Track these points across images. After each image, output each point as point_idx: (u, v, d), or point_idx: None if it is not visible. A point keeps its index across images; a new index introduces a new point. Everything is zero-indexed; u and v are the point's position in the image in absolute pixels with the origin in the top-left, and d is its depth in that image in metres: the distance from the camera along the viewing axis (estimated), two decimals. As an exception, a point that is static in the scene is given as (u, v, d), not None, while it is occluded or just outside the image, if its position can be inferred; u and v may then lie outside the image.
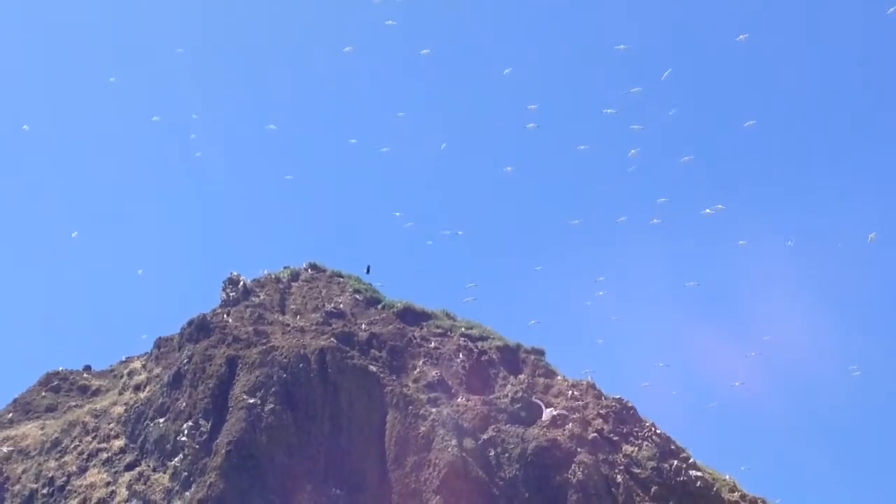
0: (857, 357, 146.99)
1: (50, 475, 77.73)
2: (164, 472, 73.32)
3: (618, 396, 78.63)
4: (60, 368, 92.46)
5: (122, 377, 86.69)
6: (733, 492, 74.58)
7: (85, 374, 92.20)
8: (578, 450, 72.82)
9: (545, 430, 74.16)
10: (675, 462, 74.04)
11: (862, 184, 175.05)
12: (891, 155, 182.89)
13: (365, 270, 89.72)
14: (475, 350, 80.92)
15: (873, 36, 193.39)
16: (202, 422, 73.70)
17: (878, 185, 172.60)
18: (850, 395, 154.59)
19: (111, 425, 79.75)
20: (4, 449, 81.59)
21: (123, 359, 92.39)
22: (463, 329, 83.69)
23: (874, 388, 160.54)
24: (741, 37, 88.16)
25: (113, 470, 76.16)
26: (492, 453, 73.02)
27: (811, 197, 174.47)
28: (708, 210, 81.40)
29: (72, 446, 79.48)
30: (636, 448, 74.53)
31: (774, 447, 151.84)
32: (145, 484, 73.71)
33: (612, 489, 71.67)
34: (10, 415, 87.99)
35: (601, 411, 76.76)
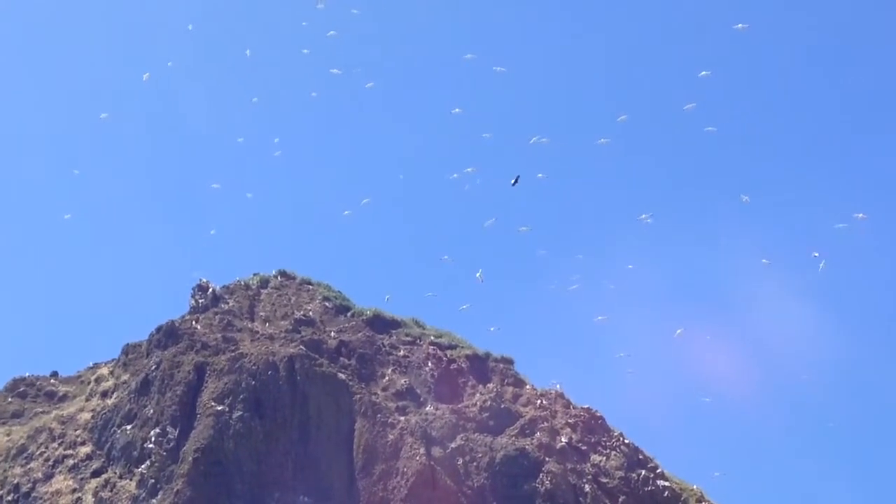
0: (835, 358, 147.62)
1: (15, 482, 77.17)
2: (131, 479, 72.95)
3: (586, 406, 78.85)
4: (27, 374, 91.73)
5: (89, 383, 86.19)
6: (700, 501, 74.85)
7: (52, 380, 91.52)
8: (547, 459, 72.96)
9: (514, 438, 74.27)
10: (644, 472, 74.27)
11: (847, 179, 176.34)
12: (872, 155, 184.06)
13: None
14: (444, 358, 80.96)
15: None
16: (170, 429, 73.43)
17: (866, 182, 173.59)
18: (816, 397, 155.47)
19: (78, 432, 79.30)
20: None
21: (91, 365, 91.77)
22: (432, 337, 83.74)
23: (851, 389, 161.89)
24: (740, 26, 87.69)
25: (79, 477, 75.70)
26: (460, 462, 73.04)
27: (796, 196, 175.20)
28: (644, 216, 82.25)
29: (38, 453, 78.97)
30: (604, 457, 74.74)
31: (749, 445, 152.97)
32: (112, 491, 73.31)
33: (580, 498, 71.82)
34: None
35: (570, 420, 76.93)
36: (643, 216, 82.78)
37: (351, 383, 76.45)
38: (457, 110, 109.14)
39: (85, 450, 77.55)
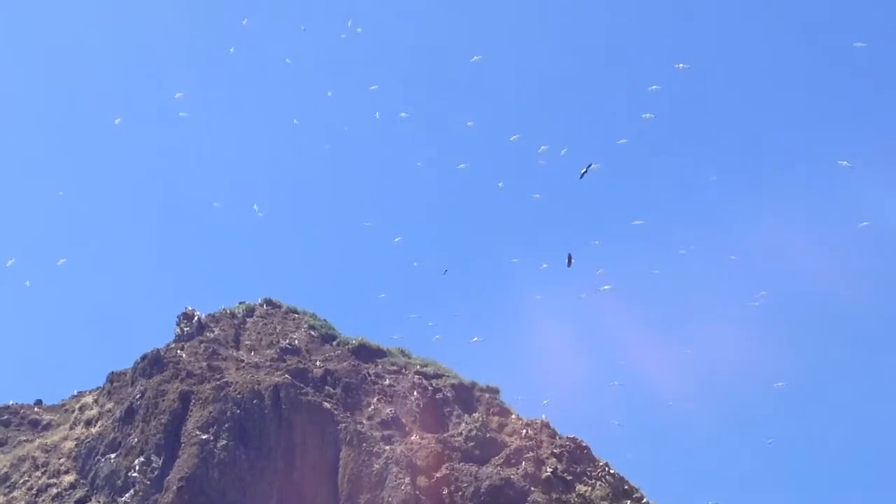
0: (787, 366, 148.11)
1: (-2, 510, 76.89)
2: (115, 509, 72.66)
3: (572, 436, 78.80)
4: (11, 402, 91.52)
5: (73, 412, 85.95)
6: (685, 532, 74.88)
7: (36, 409, 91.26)
8: (532, 489, 72.86)
9: (499, 468, 74.18)
10: (629, 502, 74.20)
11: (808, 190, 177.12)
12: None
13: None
14: (430, 388, 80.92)
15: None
16: (154, 457, 73.18)
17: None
18: (775, 406, 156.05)
19: (61, 460, 78.99)
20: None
21: (75, 393, 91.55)
22: (418, 367, 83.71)
23: (800, 399, 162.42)
24: (680, 65, 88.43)
25: (62, 505, 75.38)
26: (445, 491, 72.93)
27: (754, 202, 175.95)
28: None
29: (21, 481, 78.64)
30: (589, 488, 74.65)
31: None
32: (95, 520, 73.04)
33: (566, 528, 71.73)
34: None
35: (555, 450, 76.86)
36: (596, 242, 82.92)
37: (336, 412, 76.35)
38: (463, 166, 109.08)
39: (69, 478, 77.22)
